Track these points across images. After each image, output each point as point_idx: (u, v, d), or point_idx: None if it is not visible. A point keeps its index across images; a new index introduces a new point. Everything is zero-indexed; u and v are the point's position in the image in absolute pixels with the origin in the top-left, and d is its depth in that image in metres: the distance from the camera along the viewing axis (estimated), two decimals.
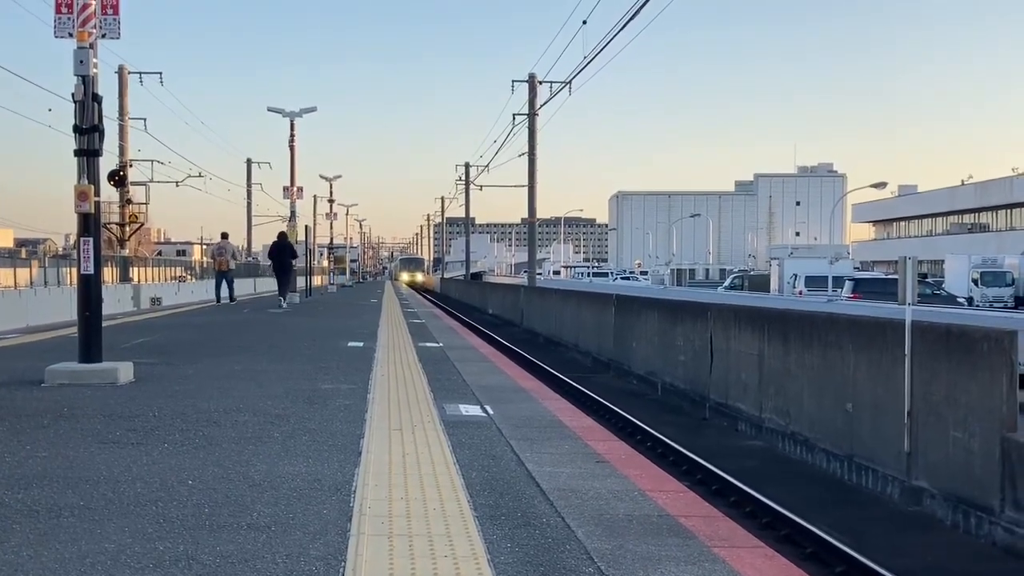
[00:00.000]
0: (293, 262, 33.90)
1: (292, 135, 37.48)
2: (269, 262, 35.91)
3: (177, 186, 50.20)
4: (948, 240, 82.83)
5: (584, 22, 28.41)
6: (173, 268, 50.73)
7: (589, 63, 29.09)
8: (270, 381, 11.14)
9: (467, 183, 71.23)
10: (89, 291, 11.26)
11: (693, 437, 14.59)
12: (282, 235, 34.29)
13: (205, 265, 58.61)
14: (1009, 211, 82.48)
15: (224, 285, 32.83)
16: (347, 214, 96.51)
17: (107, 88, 43.42)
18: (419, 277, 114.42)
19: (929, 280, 46.61)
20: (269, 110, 37.54)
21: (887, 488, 10.86)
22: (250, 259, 69.88)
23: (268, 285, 61.53)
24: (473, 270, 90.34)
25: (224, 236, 35.36)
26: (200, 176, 51.99)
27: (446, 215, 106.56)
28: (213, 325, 21.63)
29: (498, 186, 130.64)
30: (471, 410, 9.08)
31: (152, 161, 46.56)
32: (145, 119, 43.41)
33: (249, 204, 69.16)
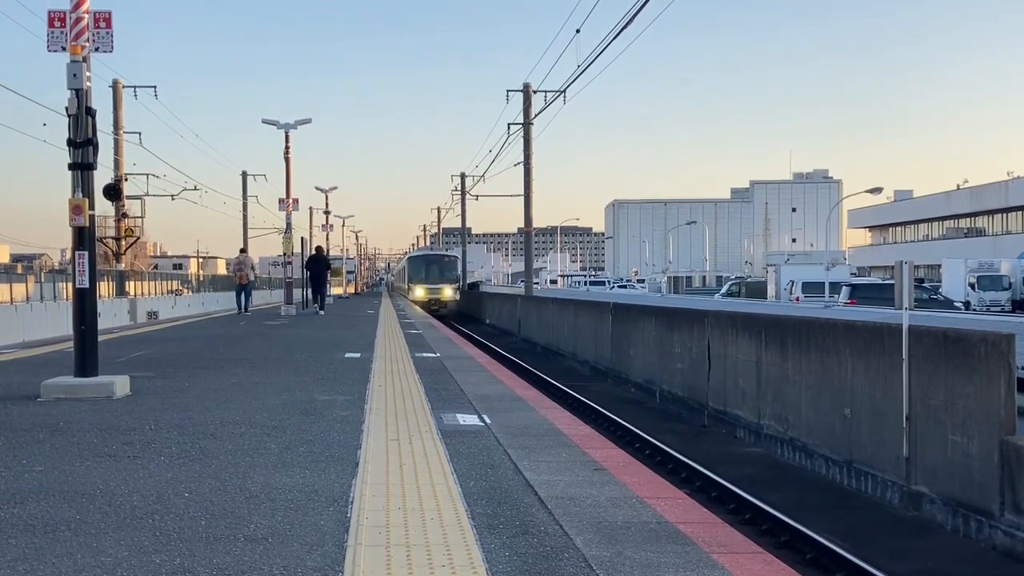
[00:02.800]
0: (328, 274, 38.02)
1: (287, 147, 37.42)
2: (267, 274, 38.43)
3: (173, 199, 50.31)
4: (944, 245, 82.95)
5: (577, 31, 28.43)
6: (169, 281, 50.68)
7: (583, 72, 29.14)
8: (266, 393, 11.11)
9: (463, 193, 71.29)
10: (84, 305, 11.24)
11: (692, 444, 14.58)
12: (319, 249, 38.49)
13: (201, 278, 58.58)
14: (1005, 215, 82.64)
15: (243, 296, 36.33)
16: (343, 225, 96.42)
17: (102, 102, 43.39)
18: (447, 292, 59.83)
19: (926, 285, 46.65)
20: (264, 122, 37.45)
21: (886, 493, 10.85)
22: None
23: (264, 298, 61.56)
24: (470, 280, 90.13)
25: (243, 251, 38.85)
26: (195, 189, 52.11)
27: (442, 225, 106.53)
28: (210, 338, 21.59)
29: (494, 196, 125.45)
30: (469, 419, 9.06)
31: (147, 175, 46.75)
32: (140, 133, 43.56)
33: (245, 217, 69.11)
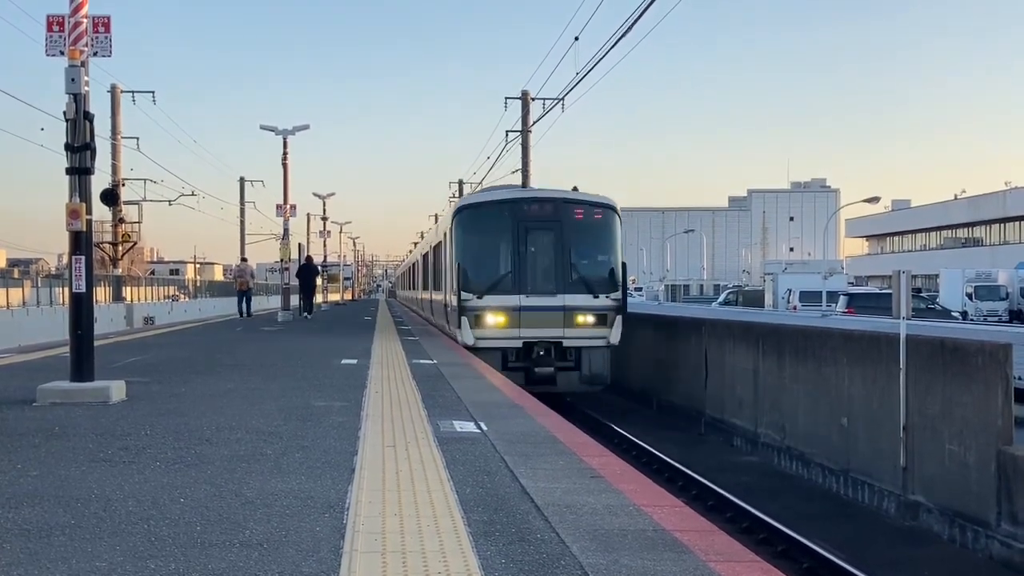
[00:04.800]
0: (317, 281, 40.99)
1: (285, 153, 37.45)
2: (264, 280, 40.75)
3: (170, 205, 50.24)
4: (942, 255, 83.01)
5: (576, 38, 28.37)
6: (166, 287, 50.67)
7: (582, 79, 29.11)
8: (263, 399, 11.08)
9: None
10: (81, 310, 11.22)
11: (689, 452, 14.57)
12: (308, 258, 40.54)
13: (198, 284, 58.63)
14: (1002, 225, 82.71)
15: (244, 302, 38.14)
16: (340, 232, 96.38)
17: (100, 107, 43.38)
18: (590, 320, 18.76)
19: (923, 294, 46.67)
20: (262, 128, 37.47)
21: (883, 503, 10.84)
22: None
23: (260, 303, 61.62)
24: None
25: (243, 260, 41.82)
26: (193, 195, 52.07)
27: None
28: (206, 343, 21.56)
29: None
30: (465, 426, 9.03)
31: (145, 180, 46.65)
32: (138, 138, 43.64)
33: (242, 222, 69.11)
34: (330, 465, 7.09)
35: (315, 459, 7.33)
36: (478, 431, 8.78)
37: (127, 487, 6.33)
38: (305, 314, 37.42)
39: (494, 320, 19.38)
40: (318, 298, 51.79)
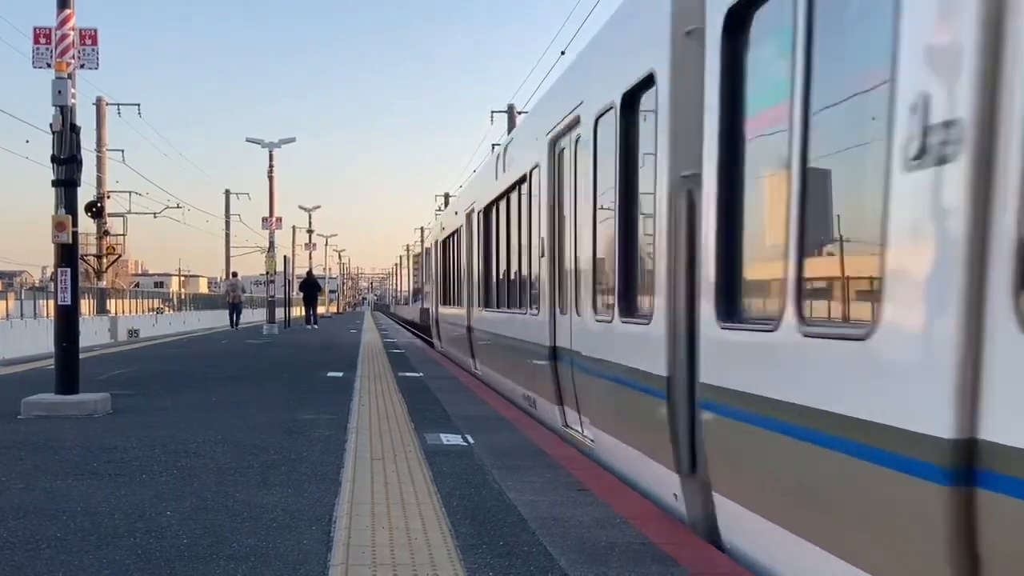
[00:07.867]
0: (319, 295, 45.15)
1: (271, 166, 37.45)
2: (250, 293, 43.02)
3: (155, 217, 50.19)
4: None
5: (562, 52, 28.50)
6: (151, 300, 50.47)
7: None
8: (249, 412, 11.06)
9: None
10: (66, 322, 11.19)
11: None
12: (310, 273, 45.33)
13: (183, 297, 58.49)
14: None
15: (234, 314, 40.32)
16: (326, 244, 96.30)
17: (85, 119, 43.28)
18: None
19: None
20: (248, 140, 37.48)
21: None
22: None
23: (245, 316, 61.43)
24: None
25: (234, 275, 44.51)
26: (178, 207, 52.02)
27: (425, 245, 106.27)
28: (191, 356, 21.51)
29: None
30: (452, 439, 9.04)
31: (130, 192, 46.67)
32: (123, 150, 43.63)
33: (227, 235, 68.96)
34: (317, 478, 7.08)
35: (302, 472, 7.33)
36: (465, 444, 8.79)
37: (113, 500, 6.32)
38: (312, 326, 40.76)
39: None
40: (298, 311, 52.64)
